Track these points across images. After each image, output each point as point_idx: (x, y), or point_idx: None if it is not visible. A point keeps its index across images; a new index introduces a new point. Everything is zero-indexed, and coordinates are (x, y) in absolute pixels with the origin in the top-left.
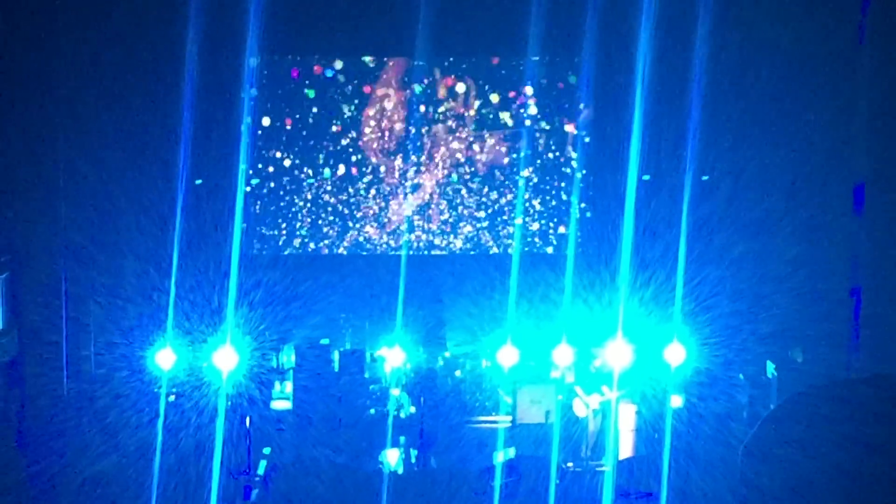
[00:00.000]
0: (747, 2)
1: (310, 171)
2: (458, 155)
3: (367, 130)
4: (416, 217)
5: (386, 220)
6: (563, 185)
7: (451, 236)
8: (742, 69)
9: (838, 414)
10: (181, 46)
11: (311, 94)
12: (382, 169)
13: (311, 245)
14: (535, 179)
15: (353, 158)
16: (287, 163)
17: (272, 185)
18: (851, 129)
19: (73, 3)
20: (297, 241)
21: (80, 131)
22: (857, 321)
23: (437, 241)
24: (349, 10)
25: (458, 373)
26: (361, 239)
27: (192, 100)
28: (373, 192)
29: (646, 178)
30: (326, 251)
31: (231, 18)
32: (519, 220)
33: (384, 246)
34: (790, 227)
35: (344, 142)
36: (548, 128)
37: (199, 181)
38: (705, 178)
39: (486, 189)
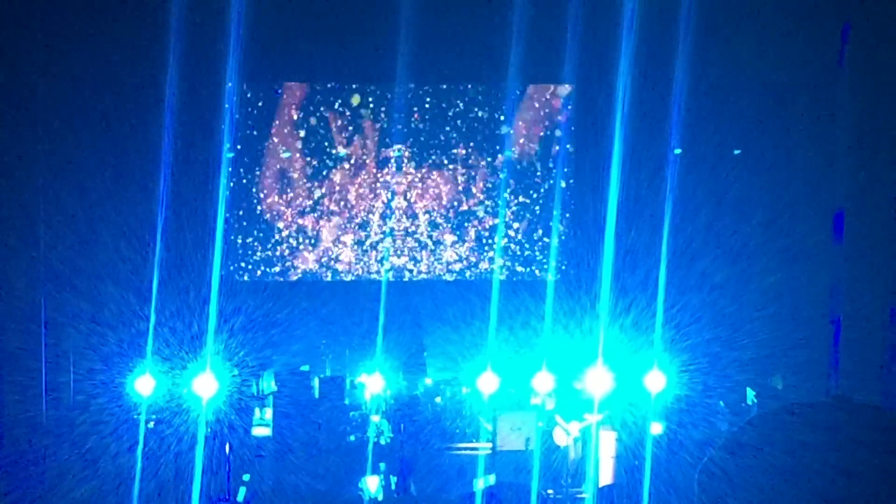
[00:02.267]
0: (727, 29)
1: (290, 197)
2: (439, 180)
3: (347, 155)
4: (396, 243)
5: (366, 245)
6: (543, 211)
7: (432, 262)
8: (722, 96)
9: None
10: (162, 72)
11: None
12: (364, 195)
13: (292, 271)
14: (515, 206)
15: (333, 184)
16: (267, 187)
17: (253, 210)
18: (831, 157)
19: (53, 29)
20: (276, 268)
21: (60, 157)
22: (837, 348)
23: (417, 267)
24: (328, 37)
25: (438, 399)
26: (341, 266)
27: (172, 126)
28: (354, 217)
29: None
30: (306, 277)
31: (211, 44)
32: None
33: (364, 272)
34: (770, 255)
35: (324, 166)
36: (529, 153)
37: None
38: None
39: (466, 215)
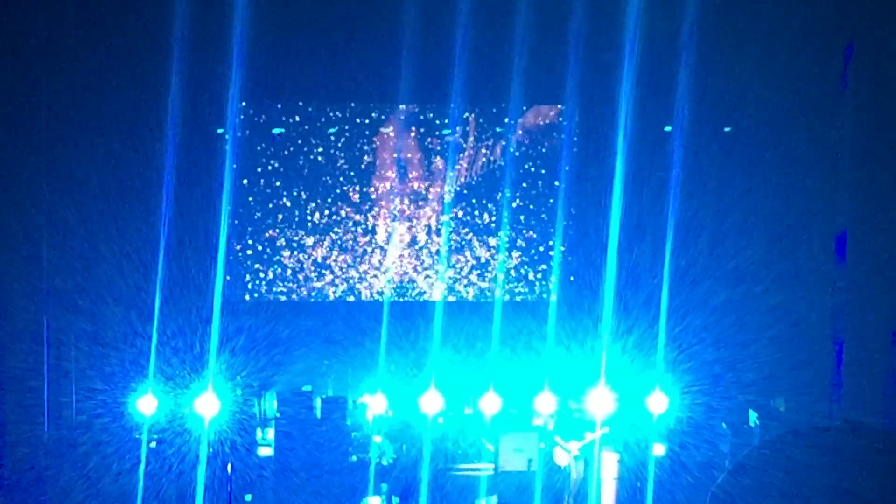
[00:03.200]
0: (729, 50)
1: (293, 217)
2: (441, 201)
3: (349, 177)
4: (399, 264)
5: (369, 266)
6: (545, 232)
7: (434, 283)
8: (724, 117)
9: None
10: (164, 92)
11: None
12: (367, 215)
13: (294, 291)
14: (517, 227)
15: (337, 205)
16: (270, 208)
17: (255, 230)
18: (834, 178)
19: (55, 48)
20: (279, 287)
21: (62, 178)
22: (840, 370)
23: (419, 288)
24: (335, 58)
25: (440, 420)
26: (344, 286)
27: (175, 145)
28: (357, 239)
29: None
30: (309, 297)
31: (214, 64)
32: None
33: (366, 292)
34: (772, 276)
35: (328, 187)
36: (531, 173)
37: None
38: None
39: (468, 236)
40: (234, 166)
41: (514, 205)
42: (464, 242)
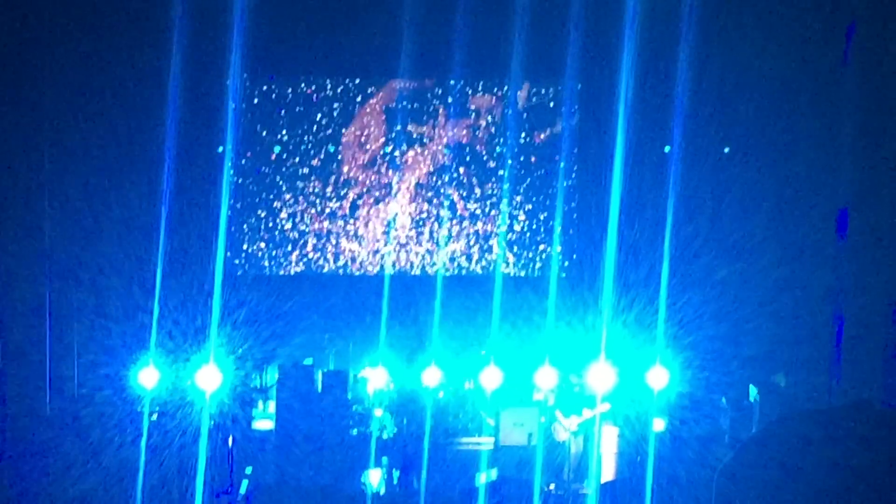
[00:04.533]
0: (731, 25)
1: (295, 191)
2: (442, 175)
3: (349, 150)
4: (399, 238)
5: (369, 240)
6: (546, 207)
7: (436, 257)
8: (726, 92)
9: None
10: (165, 66)
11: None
12: (366, 189)
13: (295, 264)
14: (519, 202)
15: (337, 177)
16: (271, 181)
17: (256, 203)
18: (835, 154)
19: (56, 23)
20: (281, 261)
21: (64, 152)
22: (840, 345)
23: (421, 262)
24: (332, 31)
25: (440, 394)
26: (344, 259)
27: (176, 119)
28: (357, 211)
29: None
30: (310, 271)
31: (215, 37)
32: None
33: (368, 266)
34: (773, 251)
35: (327, 161)
36: (532, 149)
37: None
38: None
39: (469, 210)
40: (236, 140)
41: (515, 179)
42: (465, 216)
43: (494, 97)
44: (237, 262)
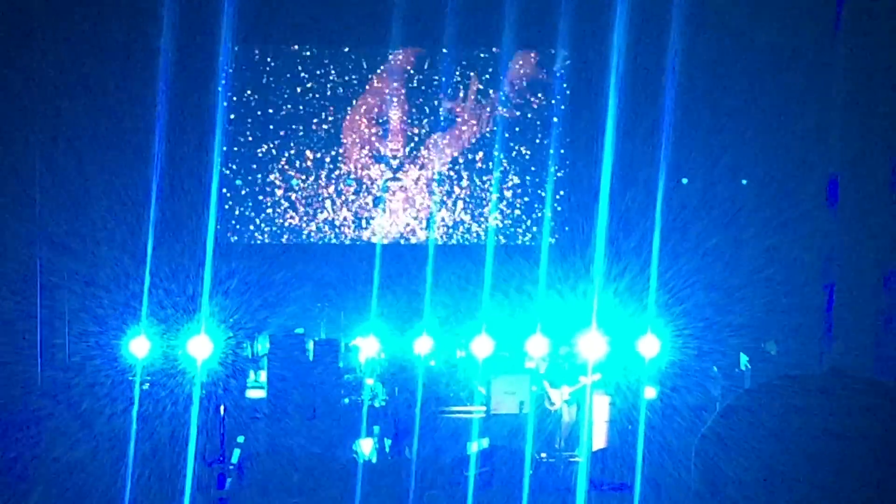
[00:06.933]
0: None
1: (286, 160)
2: (437, 145)
3: (345, 119)
4: (391, 207)
5: (361, 209)
6: (538, 176)
7: (428, 226)
8: (716, 62)
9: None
10: (156, 35)
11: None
12: (360, 158)
13: (286, 234)
14: (510, 171)
15: (330, 147)
16: (262, 151)
17: (248, 173)
18: (825, 123)
19: None
20: (272, 230)
21: (55, 121)
22: (830, 314)
23: (412, 231)
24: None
25: (432, 363)
26: (336, 229)
27: (167, 88)
28: (350, 181)
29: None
30: (301, 240)
31: (206, 6)
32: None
33: (359, 235)
34: (764, 220)
35: (321, 130)
36: (523, 120)
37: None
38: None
39: (462, 180)
40: (226, 108)
41: (507, 147)
42: (456, 185)
43: (485, 63)
44: (229, 231)
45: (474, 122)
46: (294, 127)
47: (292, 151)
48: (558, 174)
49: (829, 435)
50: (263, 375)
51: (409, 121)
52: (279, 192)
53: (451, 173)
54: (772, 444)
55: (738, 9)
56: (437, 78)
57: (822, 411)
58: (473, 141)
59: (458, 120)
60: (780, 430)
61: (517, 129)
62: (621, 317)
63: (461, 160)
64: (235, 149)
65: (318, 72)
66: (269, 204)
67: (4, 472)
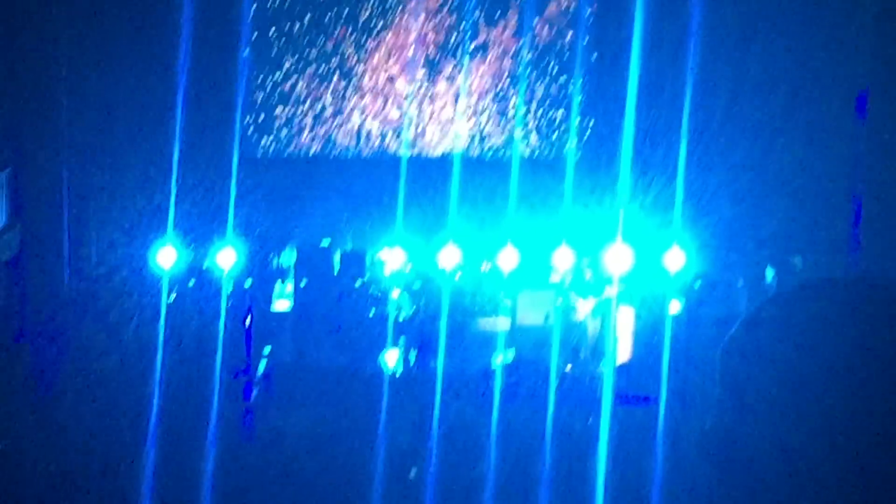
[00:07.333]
0: None
1: (313, 70)
2: (461, 59)
3: (375, 29)
4: (418, 119)
5: (388, 121)
6: (564, 89)
7: (453, 140)
8: None
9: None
10: None
11: None
12: (387, 70)
13: (312, 145)
14: (537, 84)
15: (358, 57)
16: (290, 61)
17: (275, 83)
18: (855, 34)
19: None
20: (298, 141)
21: (82, 29)
22: (858, 225)
23: (438, 144)
24: None
25: (458, 275)
26: (363, 141)
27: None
28: (377, 93)
29: None
30: (327, 152)
31: None
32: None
33: (386, 147)
34: (791, 131)
35: (349, 42)
36: (551, 32)
37: None
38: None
39: (488, 93)
40: (252, 17)
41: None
42: (483, 98)
43: None
44: (254, 142)
45: (501, 36)
46: (322, 36)
47: (320, 62)
48: (585, 88)
49: (852, 344)
50: (289, 287)
51: (436, 32)
52: (305, 104)
53: (478, 86)
54: (795, 353)
55: None
56: None
57: (845, 320)
58: (500, 55)
59: (485, 34)
60: (803, 339)
61: (544, 42)
62: (647, 230)
63: (488, 74)
64: (262, 59)
65: None
66: (295, 115)
67: (32, 381)
